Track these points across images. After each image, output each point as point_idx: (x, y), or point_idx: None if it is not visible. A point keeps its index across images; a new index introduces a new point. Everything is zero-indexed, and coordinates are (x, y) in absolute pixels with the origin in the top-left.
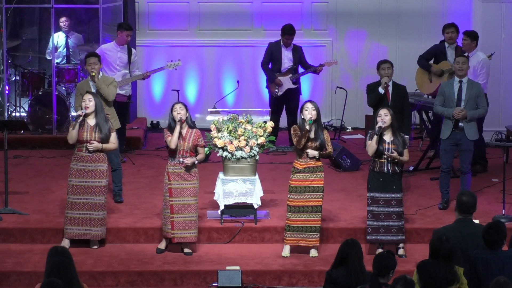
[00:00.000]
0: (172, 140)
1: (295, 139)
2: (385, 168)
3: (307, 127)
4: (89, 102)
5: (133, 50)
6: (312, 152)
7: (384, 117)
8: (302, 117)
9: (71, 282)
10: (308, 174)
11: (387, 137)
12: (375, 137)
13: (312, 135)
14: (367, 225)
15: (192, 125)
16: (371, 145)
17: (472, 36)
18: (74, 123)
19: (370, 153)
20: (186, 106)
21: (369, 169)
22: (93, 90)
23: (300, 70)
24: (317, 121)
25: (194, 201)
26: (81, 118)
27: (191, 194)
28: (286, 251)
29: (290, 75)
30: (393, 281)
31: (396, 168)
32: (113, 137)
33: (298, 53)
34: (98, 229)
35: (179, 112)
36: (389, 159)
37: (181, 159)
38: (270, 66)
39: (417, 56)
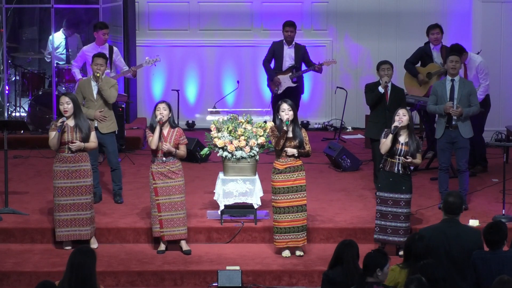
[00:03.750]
0: (153, 141)
1: (273, 140)
2: (396, 168)
3: (285, 128)
4: (67, 105)
5: (114, 48)
6: (291, 150)
7: (402, 116)
8: (280, 118)
9: (84, 280)
10: (290, 174)
11: (402, 137)
12: (390, 135)
13: (290, 134)
14: (375, 224)
15: (174, 125)
16: (385, 144)
17: (460, 51)
18: (56, 130)
19: (383, 151)
20: (169, 106)
21: (379, 167)
22: (94, 90)
23: (303, 68)
24: (294, 120)
25: (180, 199)
26: (63, 125)
27: (176, 192)
28: (286, 251)
29: (290, 73)
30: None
31: (406, 169)
32: (93, 136)
33: (300, 51)
34: (88, 228)
35: (162, 112)
36: (401, 159)
37: (163, 159)
38: (273, 64)
39: None
